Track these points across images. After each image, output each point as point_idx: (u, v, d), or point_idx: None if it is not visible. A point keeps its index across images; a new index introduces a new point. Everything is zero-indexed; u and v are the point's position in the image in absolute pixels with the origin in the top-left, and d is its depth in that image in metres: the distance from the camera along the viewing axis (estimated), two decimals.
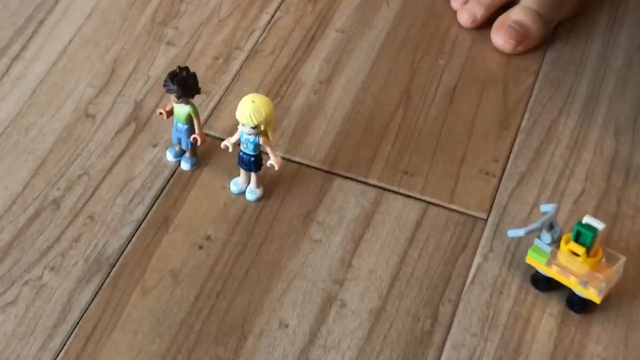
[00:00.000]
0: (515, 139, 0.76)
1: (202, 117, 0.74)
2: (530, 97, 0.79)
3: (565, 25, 0.85)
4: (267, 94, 0.77)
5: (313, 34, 0.83)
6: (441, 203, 0.72)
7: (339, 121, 0.77)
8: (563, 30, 0.85)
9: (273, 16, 0.84)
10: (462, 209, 0.71)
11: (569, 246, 0.63)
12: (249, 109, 0.66)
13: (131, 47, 0.81)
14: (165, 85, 0.69)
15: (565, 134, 0.77)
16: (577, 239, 0.63)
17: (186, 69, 0.69)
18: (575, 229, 0.63)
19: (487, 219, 0.71)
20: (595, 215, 0.68)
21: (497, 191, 0.72)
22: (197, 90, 0.69)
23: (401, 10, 0.85)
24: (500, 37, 0.81)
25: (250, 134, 0.67)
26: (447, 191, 0.72)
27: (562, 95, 0.80)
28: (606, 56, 0.84)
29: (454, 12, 0.84)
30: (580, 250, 0.63)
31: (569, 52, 0.83)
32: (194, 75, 0.69)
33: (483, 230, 0.70)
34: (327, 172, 0.73)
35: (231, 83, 0.79)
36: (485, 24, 0.83)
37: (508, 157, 0.75)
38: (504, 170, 0.74)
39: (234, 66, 0.81)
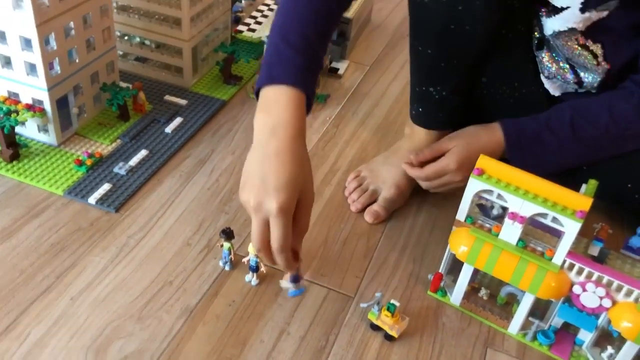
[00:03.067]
0: (369, 263, 0.81)
1: (236, 246, 0.79)
2: (378, 244, 0.84)
3: (397, 210, 0.88)
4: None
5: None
6: (336, 289, 0.76)
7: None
8: (396, 213, 0.87)
9: None
10: (345, 292, 0.76)
11: (384, 312, 0.70)
12: (253, 247, 0.68)
13: (210, 214, 0.85)
14: (220, 234, 0.76)
15: (391, 262, 0.82)
16: (388, 309, 0.70)
17: (229, 227, 0.75)
18: (387, 305, 0.70)
19: (354, 297, 0.76)
20: (400, 299, 0.75)
21: (360, 285, 0.78)
22: (233, 237, 0.76)
23: (327, 203, 0.90)
24: (367, 217, 0.85)
25: (254, 256, 0.73)
26: (338, 284, 0.77)
27: (392, 244, 0.84)
28: (413, 225, 0.87)
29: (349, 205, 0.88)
30: (389, 314, 0.70)
31: (397, 224, 0.86)
32: (232, 231, 0.75)
33: (352, 302, 0.75)
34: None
35: (248, 234, 0.76)
36: (362, 210, 0.87)
37: (366, 270, 0.80)
38: (363, 276, 0.79)
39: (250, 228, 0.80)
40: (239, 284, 0.76)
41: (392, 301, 0.70)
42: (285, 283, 0.72)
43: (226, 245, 0.76)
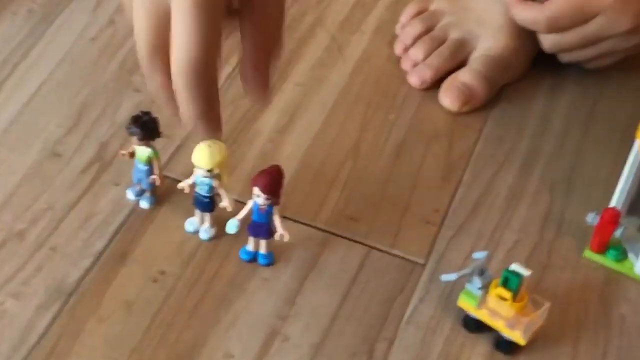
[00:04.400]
0: (456, 191, 0.81)
1: (164, 159, 0.79)
2: (472, 152, 0.84)
3: (510, 86, 0.90)
4: (225, 140, 0.79)
5: (273, 86, 0.87)
6: (383, 248, 0.76)
7: (291, 169, 0.81)
8: (507, 91, 0.89)
9: (235, 68, 0.88)
10: (402, 254, 0.76)
11: (497, 291, 0.68)
12: (205, 154, 0.71)
13: (99, 92, 0.86)
14: (127, 128, 0.74)
15: (503, 188, 0.82)
16: (505, 284, 0.67)
17: (148, 113, 0.74)
18: (504, 275, 0.67)
19: (425, 264, 0.75)
20: (526, 264, 0.72)
21: (436, 239, 0.77)
22: (158, 134, 0.75)
23: (356, 68, 0.91)
24: (447, 98, 0.86)
25: (205, 177, 0.73)
26: (389, 237, 0.77)
27: (503, 152, 0.85)
28: (547, 117, 0.88)
29: (405, 72, 0.89)
30: (507, 294, 0.67)
31: (512, 112, 0.88)
32: (155, 120, 0.74)
33: (421, 274, 0.75)
34: (279, 215, 0.74)
35: (188, 139, 0.83)
36: (435, 83, 0.88)
37: (448, 208, 0.80)
38: (443, 219, 0.79)
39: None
40: (173, 237, 0.76)
41: (514, 267, 0.68)
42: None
43: (142, 153, 0.76)
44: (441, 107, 0.88)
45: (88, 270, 0.73)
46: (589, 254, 0.78)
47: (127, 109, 0.85)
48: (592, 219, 0.77)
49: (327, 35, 0.95)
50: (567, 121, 0.89)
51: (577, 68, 0.90)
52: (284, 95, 0.89)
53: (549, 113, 0.89)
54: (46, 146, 0.82)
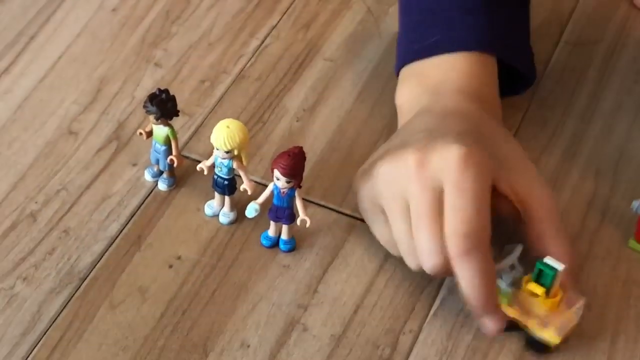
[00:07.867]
0: None
1: (183, 139, 0.84)
2: (515, 134, 0.86)
3: (558, 65, 0.92)
4: (249, 119, 0.86)
5: (301, 61, 0.92)
6: None
7: (318, 150, 0.84)
8: (555, 69, 0.92)
9: (263, 42, 0.93)
10: None
11: (529, 286, 0.70)
12: (223, 134, 0.74)
13: (119, 66, 0.91)
14: (144, 107, 0.77)
15: (545, 174, 0.83)
16: (538, 279, 0.70)
17: (166, 91, 0.77)
18: (537, 267, 0.70)
19: None
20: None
21: None
22: (176, 113, 0.78)
23: (392, 42, 0.91)
24: None
25: (224, 158, 0.76)
26: None
27: (547, 135, 0.87)
28: (596, 96, 0.91)
29: None
30: (540, 290, 0.70)
31: (559, 92, 0.91)
32: (172, 98, 0.77)
33: None
34: (301, 199, 0.77)
35: (215, 107, 0.88)
36: None
37: None
38: None
39: (219, 90, 0.90)
40: (191, 220, 0.80)
41: (548, 259, 0.70)
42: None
43: (160, 132, 0.79)
44: None
45: (101, 255, 0.77)
46: (633, 244, 0.80)
47: (147, 85, 0.89)
48: (637, 206, 0.78)
49: (362, 7, 0.98)
50: (618, 101, 0.92)
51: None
52: (313, 71, 0.92)
53: (599, 91, 0.92)
54: (62, 124, 0.86)
